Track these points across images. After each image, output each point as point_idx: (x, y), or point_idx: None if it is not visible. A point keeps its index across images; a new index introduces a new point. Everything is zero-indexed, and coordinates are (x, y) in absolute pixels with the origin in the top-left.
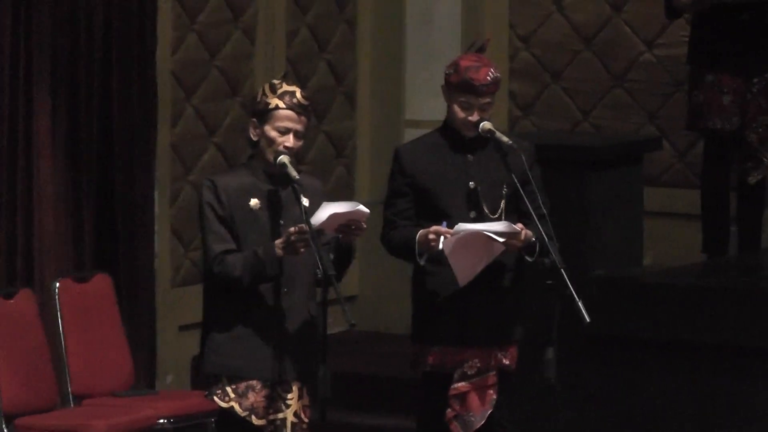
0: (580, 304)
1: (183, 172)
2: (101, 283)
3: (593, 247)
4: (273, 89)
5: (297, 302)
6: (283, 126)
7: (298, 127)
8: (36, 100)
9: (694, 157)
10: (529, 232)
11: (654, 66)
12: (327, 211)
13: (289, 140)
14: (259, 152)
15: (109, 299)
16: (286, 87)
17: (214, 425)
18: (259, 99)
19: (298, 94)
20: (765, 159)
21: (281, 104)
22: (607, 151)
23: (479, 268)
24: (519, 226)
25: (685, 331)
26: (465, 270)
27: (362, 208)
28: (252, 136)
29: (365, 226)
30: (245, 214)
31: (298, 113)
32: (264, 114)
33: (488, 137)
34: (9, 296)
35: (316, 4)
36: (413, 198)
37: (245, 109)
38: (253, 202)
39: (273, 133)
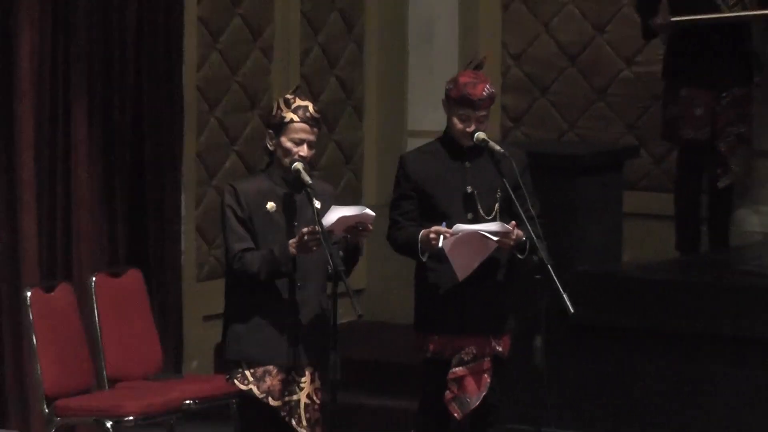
0: (565, 296)
1: (207, 178)
2: (133, 277)
3: (578, 245)
4: (287, 104)
5: (310, 295)
6: (298, 137)
7: (311, 137)
8: (74, 111)
9: (669, 164)
10: (521, 232)
11: (632, 81)
12: (336, 213)
13: (303, 150)
14: (275, 160)
15: (140, 292)
16: (299, 101)
17: (235, 406)
18: (274, 113)
19: (311, 108)
20: (733, 166)
21: (295, 118)
22: (591, 159)
23: (476, 264)
24: (511, 226)
25: (660, 321)
26: (463, 266)
27: (368, 211)
28: (269, 146)
29: (371, 227)
30: (263, 215)
31: (310, 126)
32: (280, 127)
33: (483, 146)
34: (49, 289)
35: (327, 26)
36: (416, 201)
37: (263, 120)
38: (270, 205)
39: (288, 144)
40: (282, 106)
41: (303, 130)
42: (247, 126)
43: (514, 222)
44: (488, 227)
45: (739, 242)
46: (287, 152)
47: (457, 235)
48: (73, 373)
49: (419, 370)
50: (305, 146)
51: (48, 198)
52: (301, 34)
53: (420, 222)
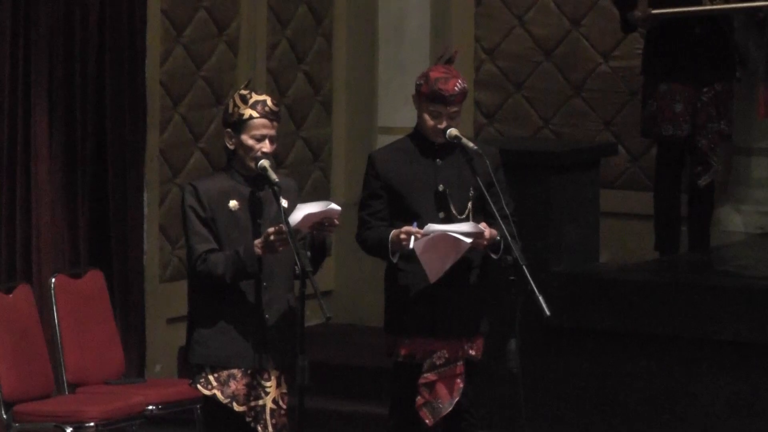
0: (540, 298)
1: (170, 176)
2: (94, 278)
3: (553, 245)
4: (244, 100)
5: (276, 296)
6: (259, 134)
7: (272, 132)
8: (34, 107)
9: (648, 162)
10: (494, 231)
11: (610, 76)
12: (302, 211)
13: (266, 146)
14: (236, 159)
15: (101, 294)
16: (256, 96)
17: (199, 411)
18: (231, 111)
19: (269, 102)
20: (714, 163)
21: (255, 114)
22: (566, 156)
23: (448, 266)
24: (483, 226)
25: (639, 323)
26: (435, 267)
27: (334, 206)
28: (229, 145)
29: (338, 222)
30: (225, 215)
31: (270, 120)
32: (239, 124)
33: (455, 143)
34: (8, 291)
35: (295, 19)
36: (386, 200)
37: (222, 119)
38: (233, 203)
39: (250, 142)
40: (239, 102)
41: (264, 126)
42: (212, 123)
43: (484, 222)
44: (460, 228)
45: (720, 242)
46: (249, 150)
47: (428, 237)
48: (32, 377)
49: (390, 374)
50: (267, 142)
51: (7, 196)
52: (268, 28)
53: (390, 222)
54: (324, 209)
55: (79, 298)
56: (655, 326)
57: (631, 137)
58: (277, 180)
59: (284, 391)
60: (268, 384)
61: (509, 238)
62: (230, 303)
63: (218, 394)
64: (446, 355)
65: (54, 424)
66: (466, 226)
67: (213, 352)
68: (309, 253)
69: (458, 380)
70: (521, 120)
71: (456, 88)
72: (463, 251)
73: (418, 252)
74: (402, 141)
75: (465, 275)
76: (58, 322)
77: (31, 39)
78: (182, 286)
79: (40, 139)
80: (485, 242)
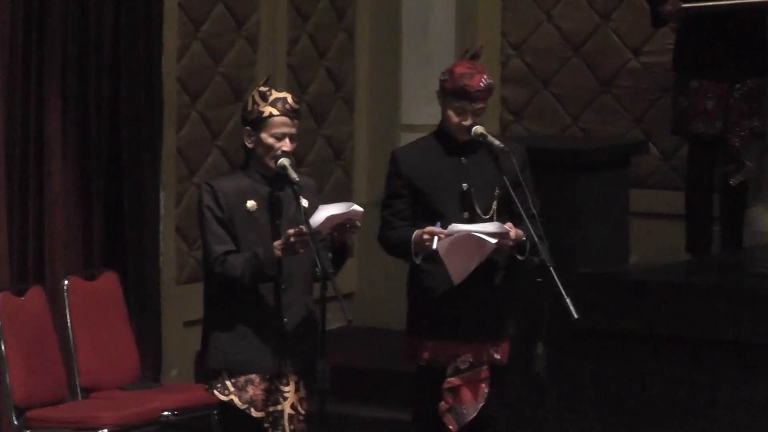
0: (568, 300)
1: (188, 175)
2: (109, 280)
3: (581, 246)
4: (264, 97)
5: (295, 298)
6: (279, 132)
7: (293, 130)
8: (47, 105)
9: (679, 160)
10: (520, 231)
11: (640, 72)
12: (324, 213)
13: (286, 144)
14: (255, 157)
15: (116, 296)
16: (276, 94)
17: (216, 417)
18: (250, 108)
19: (290, 99)
20: (747, 162)
21: (275, 111)
22: (596, 155)
23: (472, 267)
24: (508, 226)
25: (669, 326)
26: (459, 269)
27: (356, 207)
28: (248, 143)
29: (359, 224)
30: (243, 215)
31: (291, 118)
32: (258, 122)
33: (480, 141)
34: (20, 293)
35: (316, 13)
36: (409, 199)
37: (240, 117)
38: (250, 203)
39: (270, 140)
40: (258, 100)
41: (284, 124)
42: (230, 120)
43: (510, 222)
44: (485, 228)
45: (753, 242)
46: (269, 148)
47: (452, 238)
48: (44, 382)
49: (413, 378)
50: (287, 140)
51: (19, 195)
52: (288, 23)
53: (413, 221)
54: (346, 211)
55: (92, 300)
56: (685, 329)
57: (662, 135)
58: (297, 179)
59: (303, 395)
60: (286, 389)
61: (536, 239)
62: (248, 306)
63: (236, 399)
64: (470, 359)
65: (67, 430)
66: (491, 226)
67: (231, 356)
68: (330, 255)
69: (483, 385)
70: (549, 117)
71: (482, 83)
72: (488, 252)
73: (441, 252)
74: (426, 139)
75: (490, 277)
76: (71, 325)
77: (44, 35)
78: (199, 288)
79: (53, 138)
80: (511, 243)
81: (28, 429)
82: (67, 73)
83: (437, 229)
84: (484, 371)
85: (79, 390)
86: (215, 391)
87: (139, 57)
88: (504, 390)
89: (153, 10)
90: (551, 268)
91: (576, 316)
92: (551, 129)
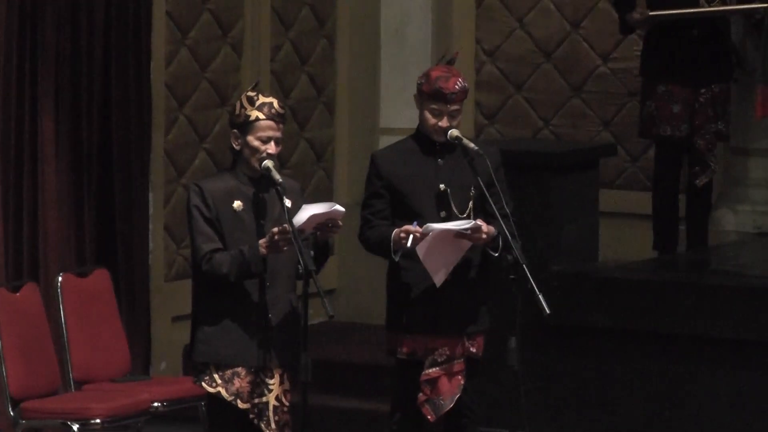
0: (540, 296)
1: (176, 176)
2: (100, 277)
3: (553, 244)
4: (251, 101)
5: (279, 295)
6: (265, 135)
7: (278, 134)
8: (40, 108)
9: (646, 162)
10: (492, 227)
11: (609, 78)
12: (307, 212)
13: (271, 147)
14: (241, 159)
15: (107, 292)
16: (263, 99)
17: (204, 408)
18: (238, 112)
19: (275, 104)
20: (711, 164)
21: (261, 115)
22: (566, 157)
23: (451, 267)
24: (479, 221)
25: (637, 321)
26: (439, 269)
27: (338, 207)
28: (235, 146)
29: (341, 224)
30: (230, 215)
31: (276, 122)
32: (245, 125)
33: (456, 143)
34: (15, 289)
35: (298, 21)
36: (388, 199)
37: (228, 120)
38: (237, 204)
39: (256, 143)
40: (245, 104)
41: (270, 128)
42: (216, 123)
43: (480, 220)
44: (458, 224)
45: (717, 241)
46: (255, 151)
47: (429, 239)
48: (39, 374)
49: (392, 371)
50: (272, 143)
51: (14, 196)
52: (271, 30)
53: (392, 221)
54: (328, 210)
55: (85, 296)
56: (653, 325)
57: (630, 138)
58: (281, 180)
59: (287, 388)
60: (271, 381)
61: (509, 238)
62: (234, 302)
63: (222, 391)
64: (447, 352)
65: (60, 420)
66: (464, 223)
67: (217, 350)
68: (312, 253)
69: (459, 377)
70: (521, 121)
71: (457, 86)
72: (465, 250)
73: (421, 257)
74: (404, 141)
75: (465, 273)
76: (64, 320)
77: (37, 40)
78: (187, 284)
79: (46, 140)
80: (484, 236)
81: (23, 419)
82: (59, 79)
83: (413, 227)
84: (460, 364)
85: (72, 382)
86: (203, 384)
87: (128, 63)
88: (479, 382)
89: (142, 19)
90: (524, 266)
91: (548, 311)
92: (524, 132)
